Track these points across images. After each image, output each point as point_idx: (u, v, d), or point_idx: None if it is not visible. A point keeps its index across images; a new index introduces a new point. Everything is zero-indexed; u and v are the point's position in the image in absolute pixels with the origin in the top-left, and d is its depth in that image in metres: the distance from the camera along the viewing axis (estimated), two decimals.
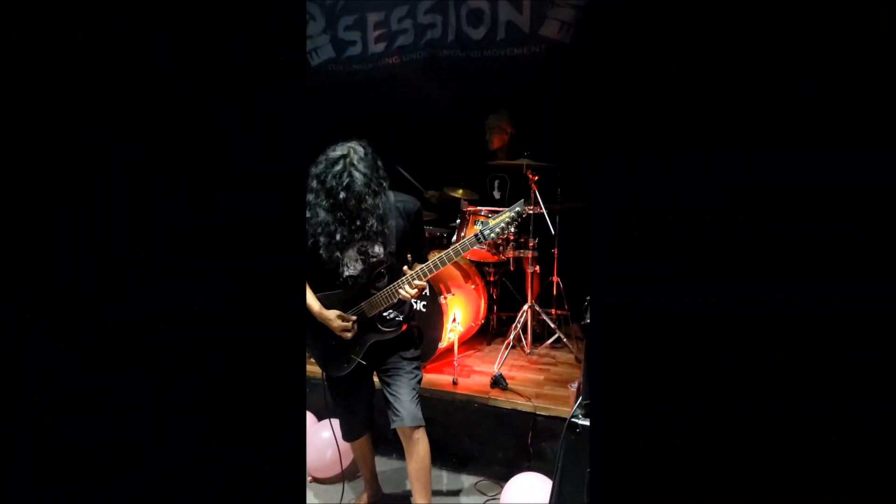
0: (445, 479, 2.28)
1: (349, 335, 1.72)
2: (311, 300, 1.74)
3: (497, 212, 2.59)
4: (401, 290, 1.65)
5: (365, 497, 2.08)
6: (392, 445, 2.39)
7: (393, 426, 1.74)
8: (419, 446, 1.73)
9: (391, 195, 1.68)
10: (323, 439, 2.23)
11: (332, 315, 1.71)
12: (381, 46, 3.74)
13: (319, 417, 2.43)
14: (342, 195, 1.52)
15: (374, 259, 1.68)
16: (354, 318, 1.72)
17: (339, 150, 1.57)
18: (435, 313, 2.46)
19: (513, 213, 1.65)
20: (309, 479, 2.29)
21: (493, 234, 1.65)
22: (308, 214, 1.64)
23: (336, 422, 2.01)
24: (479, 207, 2.83)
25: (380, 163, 1.61)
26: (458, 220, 2.88)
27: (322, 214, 1.57)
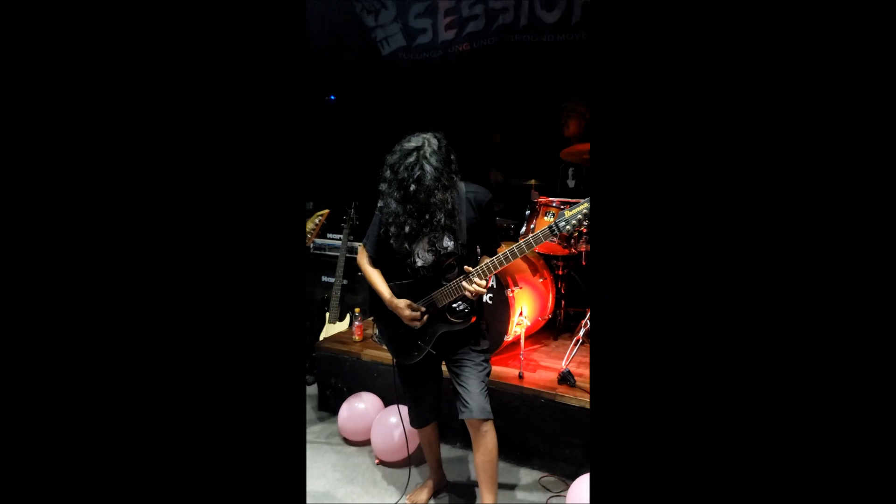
0: (509, 472, 2.26)
1: (418, 325, 1.73)
2: (383, 288, 1.77)
3: (570, 203, 2.51)
4: (464, 284, 1.64)
5: (430, 483, 2.11)
6: (457, 434, 2.41)
7: (461, 417, 1.74)
8: (487, 439, 1.72)
9: (462, 185, 1.66)
10: (390, 424, 2.28)
11: (402, 304, 1.73)
12: (451, 33, 3.71)
13: (386, 402, 2.50)
14: (412, 188, 1.52)
15: (445, 251, 1.68)
16: (423, 308, 1.73)
17: (413, 142, 1.56)
18: (502, 306, 2.44)
19: (591, 205, 1.58)
20: (376, 461, 2.36)
21: (568, 227, 1.59)
22: (380, 203, 1.66)
23: (404, 407, 2.05)
24: (550, 198, 2.75)
25: (453, 156, 1.59)
26: (528, 212, 2.82)
27: (393, 205, 1.59)
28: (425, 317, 1.73)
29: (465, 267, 1.64)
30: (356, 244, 3.16)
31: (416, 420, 1.97)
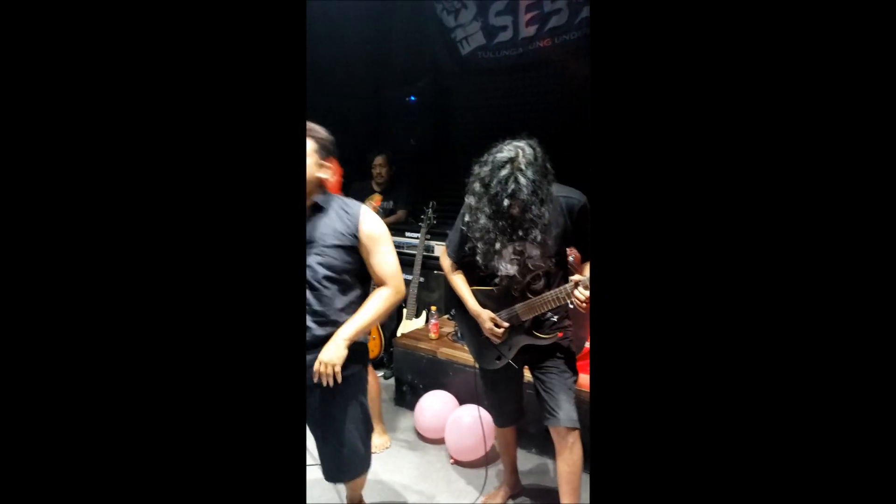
0: (590, 484, 2.18)
1: (497, 340, 1.69)
2: (467, 296, 1.74)
3: None
4: (569, 293, 1.53)
5: (505, 488, 2.07)
6: (533, 439, 2.35)
7: (547, 424, 1.69)
8: (574, 449, 1.66)
9: (554, 189, 1.59)
10: (464, 424, 2.27)
11: (485, 315, 1.69)
12: (532, 30, 3.63)
13: (461, 401, 2.49)
14: (506, 203, 1.43)
15: (531, 261, 1.61)
16: (507, 325, 1.68)
17: (506, 152, 1.46)
18: (583, 311, 2.34)
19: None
20: (451, 460, 2.36)
21: None
22: (467, 218, 1.59)
23: (482, 409, 2.03)
24: None
25: (549, 165, 1.50)
26: None
27: (483, 220, 1.50)
28: (507, 333, 1.68)
29: (575, 277, 1.52)
30: (433, 243, 3.18)
31: (498, 420, 1.94)
